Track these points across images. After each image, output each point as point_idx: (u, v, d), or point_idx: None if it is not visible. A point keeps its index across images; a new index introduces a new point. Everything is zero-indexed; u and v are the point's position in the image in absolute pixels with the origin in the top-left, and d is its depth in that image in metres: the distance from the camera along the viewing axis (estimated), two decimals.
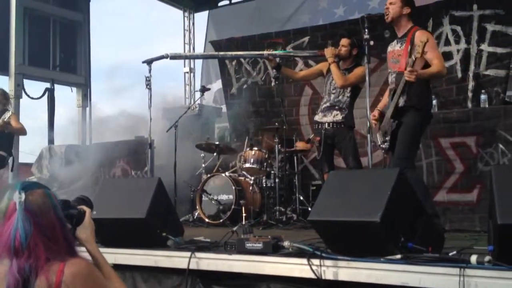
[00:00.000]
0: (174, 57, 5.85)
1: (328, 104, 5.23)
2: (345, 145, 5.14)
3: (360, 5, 9.23)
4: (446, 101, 6.07)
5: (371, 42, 4.43)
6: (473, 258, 2.65)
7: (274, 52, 5.65)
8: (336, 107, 5.18)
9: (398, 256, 2.81)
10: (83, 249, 1.78)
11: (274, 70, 5.62)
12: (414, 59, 3.85)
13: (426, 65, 4.00)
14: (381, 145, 4.29)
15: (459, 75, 6.37)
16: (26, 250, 1.50)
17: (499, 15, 6.10)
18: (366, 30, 4.39)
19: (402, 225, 2.97)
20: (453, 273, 2.62)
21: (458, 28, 6.44)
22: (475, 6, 6.27)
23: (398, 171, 3.14)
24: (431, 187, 5.05)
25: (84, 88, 10.15)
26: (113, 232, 3.85)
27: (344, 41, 5.24)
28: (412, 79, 3.84)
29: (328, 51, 5.17)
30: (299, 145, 6.53)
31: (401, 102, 4.05)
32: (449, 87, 6.34)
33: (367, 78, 4.49)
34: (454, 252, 2.91)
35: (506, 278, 2.52)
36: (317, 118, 5.31)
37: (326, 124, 5.19)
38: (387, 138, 4.18)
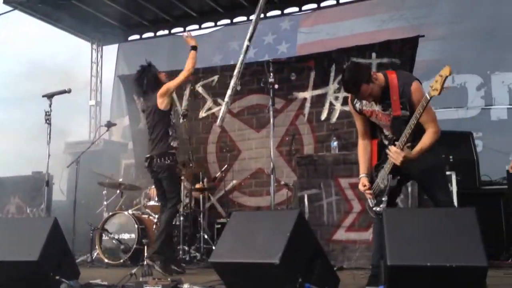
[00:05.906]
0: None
1: None
2: None
3: (270, 49, 9.55)
4: (347, 143, 6.35)
5: (276, 86, 4.64)
6: None
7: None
8: None
9: None
10: None
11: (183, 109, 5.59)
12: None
13: None
14: (374, 208, 3.49)
15: None
16: None
17: (395, 64, 6.57)
18: (271, 74, 4.58)
19: (300, 266, 3.03)
20: None
21: None
22: (373, 55, 6.74)
23: (298, 212, 3.21)
24: (331, 226, 5.22)
25: None
26: (3, 276, 3.59)
27: None
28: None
29: None
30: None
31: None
32: (350, 129, 6.65)
33: (271, 120, 4.66)
34: None
35: None
36: None
37: None
38: (383, 199, 3.43)
